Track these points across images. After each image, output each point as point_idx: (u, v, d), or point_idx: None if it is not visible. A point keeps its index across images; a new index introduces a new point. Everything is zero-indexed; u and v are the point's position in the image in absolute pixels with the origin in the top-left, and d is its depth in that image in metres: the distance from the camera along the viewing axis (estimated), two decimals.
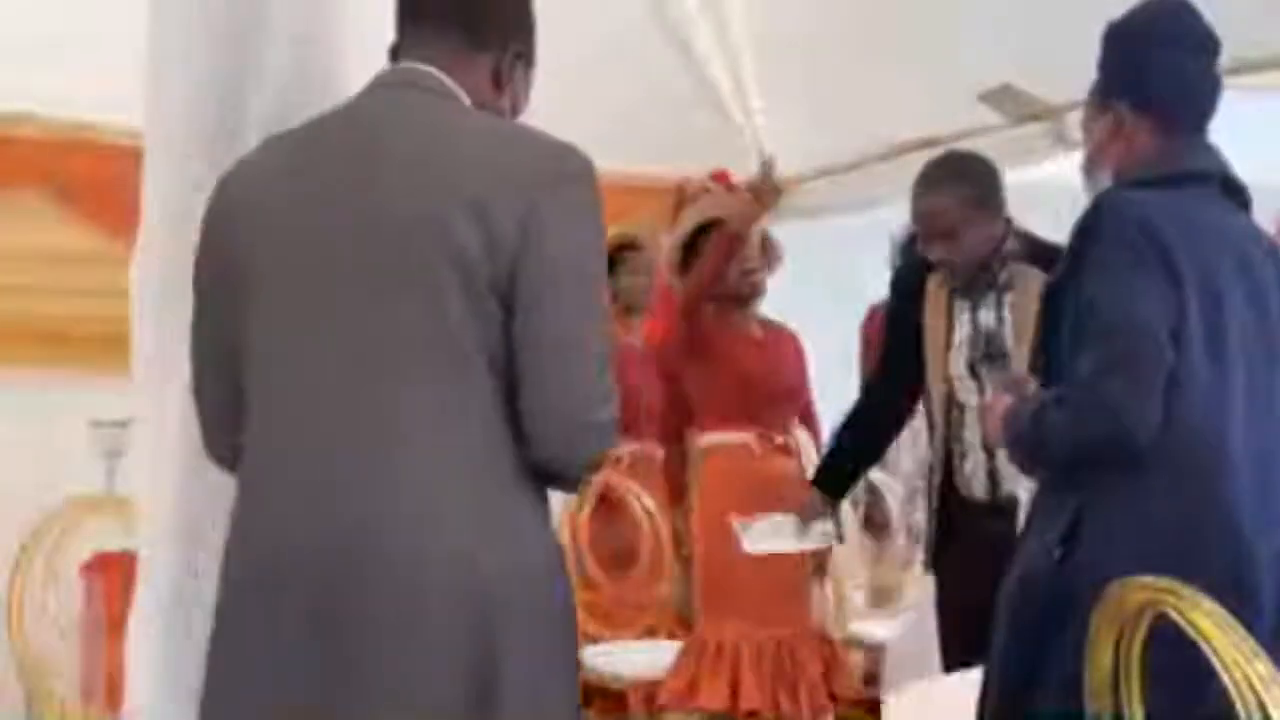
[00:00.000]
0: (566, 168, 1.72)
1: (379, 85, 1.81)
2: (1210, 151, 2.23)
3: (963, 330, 3.11)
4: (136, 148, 2.10)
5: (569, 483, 1.79)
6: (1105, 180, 2.27)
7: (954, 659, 2.98)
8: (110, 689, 3.29)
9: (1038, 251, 3.03)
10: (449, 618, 1.61)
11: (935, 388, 3.14)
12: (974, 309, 3.09)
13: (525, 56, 1.88)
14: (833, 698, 3.52)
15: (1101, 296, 2.08)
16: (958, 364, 3.10)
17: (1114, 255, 2.09)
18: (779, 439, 3.59)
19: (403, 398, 1.65)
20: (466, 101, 1.79)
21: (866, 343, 4.88)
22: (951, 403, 3.10)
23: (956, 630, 3.05)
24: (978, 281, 3.09)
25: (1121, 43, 2.25)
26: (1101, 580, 1.95)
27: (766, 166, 3.57)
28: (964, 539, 3.06)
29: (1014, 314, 3.05)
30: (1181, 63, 2.21)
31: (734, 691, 3.36)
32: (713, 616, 3.46)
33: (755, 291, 3.65)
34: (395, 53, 1.86)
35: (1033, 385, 2.26)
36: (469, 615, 1.61)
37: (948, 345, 3.11)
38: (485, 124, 1.79)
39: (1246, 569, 2.03)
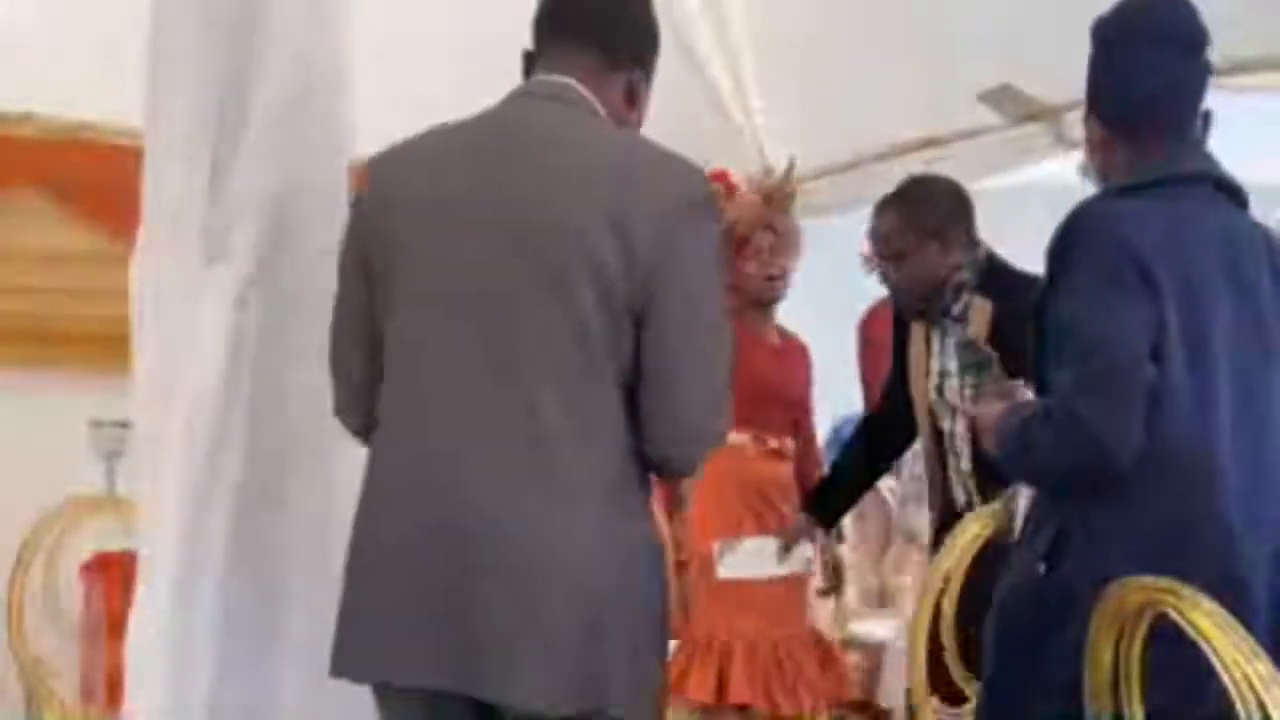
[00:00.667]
0: (699, 193, 1.83)
1: (524, 94, 1.87)
2: (1200, 152, 2.20)
3: (934, 358, 3.11)
4: (136, 148, 2.10)
5: (676, 477, 1.84)
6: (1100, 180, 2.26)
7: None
8: (110, 689, 3.29)
9: (1001, 284, 2.98)
10: (562, 620, 1.72)
11: (921, 413, 3.16)
12: (943, 335, 3.09)
13: (650, 72, 1.96)
14: (831, 699, 3.52)
15: (1079, 314, 2.06)
16: (932, 390, 3.11)
17: (1089, 271, 2.07)
18: (772, 443, 3.59)
19: (538, 397, 1.74)
20: (604, 115, 1.86)
21: (865, 343, 4.87)
22: (934, 426, 3.11)
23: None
24: (930, 309, 3.07)
25: (1104, 44, 2.21)
26: (1090, 589, 1.96)
27: (787, 168, 3.60)
28: None
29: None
30: (1165, 65, 2.16)
31: (721, 684, 3.37)
32: (708, 612, 3.47)
33: (776, 295, 3.66)
34: (530, 61, 1.91)
35: (1023, 392, 2.26)
36: (579, 620, 1.72)
37: (927, 372, 3.12)
38: (624, 140, 1.88)
39: (1238, 568, 2.03)
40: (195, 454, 2.01)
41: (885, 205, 3.12)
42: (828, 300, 4.90)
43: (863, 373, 4.84)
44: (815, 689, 3.43)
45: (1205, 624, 1.79)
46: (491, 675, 1.71)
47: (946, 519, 3.08)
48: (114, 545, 3.51)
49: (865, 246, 4.69)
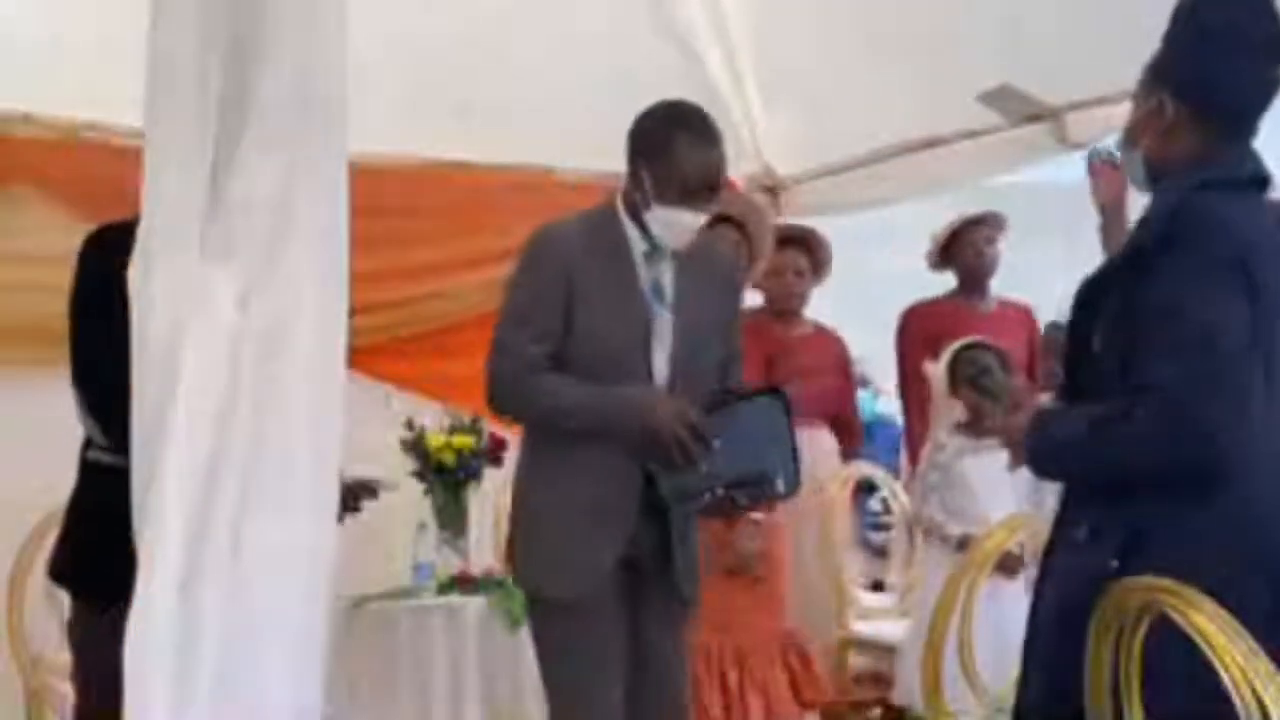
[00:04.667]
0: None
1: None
2: (1256, 155, 2.19)
3: None
4: (136, 148, 2.10)
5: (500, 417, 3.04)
6: (1137, 157, 2.23)
7: None
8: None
9: None
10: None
11: None
12: None
13: (650, 168, 2.80)
14: (805, 703, 3.50)
15: (1186, 304, 2.00)
16: None
17: (1200, 262, 2.02)
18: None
19: None
20: (619, 204, 2.86)
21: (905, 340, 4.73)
22: None
23: None
24: None
25: (1184, 30, 2.18)
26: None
27: None
28: None
29: None
30: (1240, 66, 2.14)
31: None
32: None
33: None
34: None
35: (1041, 397, 2.25)
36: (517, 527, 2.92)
37: None
38: None
39: None
40: (196, 455, 2.01)
41: None
42: (827, 301, 4.87)
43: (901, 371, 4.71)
44: (775, 697, 3.40)
45: (1205, 624, 1.79)
46: None
47: None
48: None
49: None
